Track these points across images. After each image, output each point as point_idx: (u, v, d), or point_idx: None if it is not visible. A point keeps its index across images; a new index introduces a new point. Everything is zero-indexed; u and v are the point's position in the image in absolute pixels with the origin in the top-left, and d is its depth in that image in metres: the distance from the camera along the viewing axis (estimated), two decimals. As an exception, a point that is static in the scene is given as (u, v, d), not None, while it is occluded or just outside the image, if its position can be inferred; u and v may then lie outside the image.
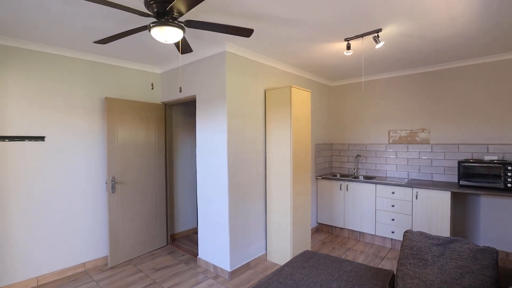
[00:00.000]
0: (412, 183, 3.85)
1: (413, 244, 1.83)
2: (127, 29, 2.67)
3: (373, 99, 4.73)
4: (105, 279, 3.19)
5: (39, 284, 3.08)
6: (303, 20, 2.51)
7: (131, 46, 3.16)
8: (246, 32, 2.22)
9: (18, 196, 2.96)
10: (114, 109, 3.54)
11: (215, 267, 3.32)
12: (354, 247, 4.09)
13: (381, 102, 4.64)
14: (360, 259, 3.66)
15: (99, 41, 2.34)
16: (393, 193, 3.95)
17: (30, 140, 3.03)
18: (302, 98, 3.56)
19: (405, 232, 1.94)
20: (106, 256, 3.61)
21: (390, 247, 4.05)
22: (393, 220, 3.96)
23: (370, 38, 2.92)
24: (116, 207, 3.57)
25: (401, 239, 3.91)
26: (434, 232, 3.61)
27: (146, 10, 2.24)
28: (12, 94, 2.92)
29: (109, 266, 3.49)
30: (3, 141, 2.87)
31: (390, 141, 4.54)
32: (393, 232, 3.96)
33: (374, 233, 4.14)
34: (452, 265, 1.64)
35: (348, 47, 3.02)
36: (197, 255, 3.69)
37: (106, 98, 3.46)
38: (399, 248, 3.99)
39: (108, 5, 1.77)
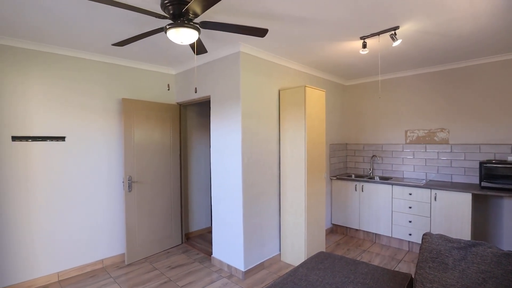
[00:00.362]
0: (431, 184, 3.74)
1: (433, 247, 1.78)
2: (144, 31, 2.72)
3: (389, 98, 4.64)
4: (122, 276, 3.26)
5: (60, 279, 3.19)
6: (318, 19, 2.48)
7: (147, 48, 3.21)
8: (260, 32, 2.22)
9: (40, 194, 3.08)
10: (130, 109, 3.62)
11: (229, 266, 3.33)
12: (370, 249, 4.01)
13: (398, 101, 4.53)
14: (376, 262, 3.59)
15: (117, 43, 2.39)
16: (410, 194, 3.85)
17: (52, 140, 3.14)
18: (316, 98, 3.53)
19: (424, 234, 1.89)
20: (123, 254, 3.69)
21: (407, 249, 3.96)
22: (410, 222, 3.86)
23: (387, 36, 2.86)
24: (132, 205, 3.64)
25: (419, 242, 3.81)
26: (454, 235, 3.50)
27: (162, 12, 2.28)
28: (34, 96, 3.03)
29: (126, 263, 3.57)
30: (27, 141, 2.99)
31: (407, 141, 4.43)
32: (410, 235, 3.86)
33: (390, 235, 4.05)
34: (474, 269, 1.58)
35: (364, 46, 2.97)
36: (211, 254, 3.72)
37: (123, 99, 3.54)
38: (417, 251, 3.89)
39: (125, 8, 1.81)
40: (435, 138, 4.16)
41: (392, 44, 2.90)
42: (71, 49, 3.20)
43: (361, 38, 2.93)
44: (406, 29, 2.72)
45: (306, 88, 3.35)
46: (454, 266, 1.65)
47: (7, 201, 2.89)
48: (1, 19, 2.39)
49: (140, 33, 2.74)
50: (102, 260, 3.51)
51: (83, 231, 3.37)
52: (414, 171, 4.36)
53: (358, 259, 3.68)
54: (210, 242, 4.27)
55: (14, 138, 2.91)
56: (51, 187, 3.15)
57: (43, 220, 3.09)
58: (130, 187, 3.60)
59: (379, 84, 4.74)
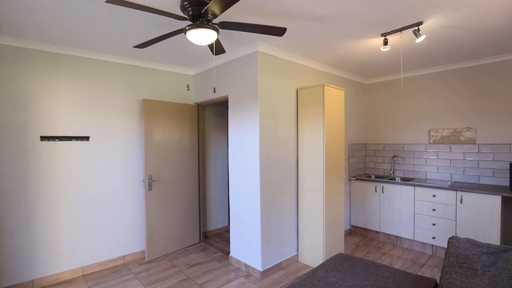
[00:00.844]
0: (456, 186, 3.59)
1: (460, 252, 1.70)
2: (164, 33, 2.77)
3: (411, 96, 4.48)
4: (142, 272, 3.35)
5: (84, 274, 3.31)
6: (338, 16, 2.43)
7: (166, 49, 3.27)
8: (279, 31, 2.21)
9: (66, 192, 3.21)
10: (150, 110, 3.70)
11: (246, 266, 3.34)
12: (391, 252, 3.90)
13: (421, 99, 4.38)
14: (397, 265, 3.49)
15: (138, 45, 2.45)
16: (434, 196, 3.71)
17: (77, 140, 3.26)
18: (335, 97, 3.47)
19: (450, 238, 1.81)
20: (143, 251, 3.78)
21: (431, 253, 3.81)
22: (434, 225, 3.72)
23: (409, 32, 2.77)
24: (152, 204, 3.73)
25: (444, 246, 3.66)
26: (481, 240, 3.33)
27: (181, 14, 2.31)
28: (61, 97, 3.16)
29: (146, 260, 3.65)
30: (54, 140, 3.12)
31: (431, 141, 4.27)
32: (434, 238, 3.72)
33: (412, 238, 3.92)
34: (505, 276, 1.50)
35: (385, 43, 2.88)
36: (229, 253, 3.74)
37: (143, 99, 3.63)
38: (441, 255, 3.74)
39: (146, 10, 1.85)
40: (461, 137, 3.98)
41: (415, 40, 2.80)
42: (95, 52, 3.31)
43: (382, 35, 2.85)
44: (430, 24, 2.62)
45: (325, 87, 3.30)
46: (483, 272, 1.57)
47: (35, 199, 3.03)
48: (23, 24, 2.51)
49: (159, 35, 2.80)
50: (123, 256, 3.61)
51: (106, 228, 3.48)
52: (438, 172, 4.20)
53: (378, 262, 3.58)
54: (227, 241, 4.30)
55: (43, 138, 3.05)
56: (77, 184, 3.27)
57: (69, 216, 3.22)
58: (150, 186, 3.69)
59: (401, 82, 4.59)
